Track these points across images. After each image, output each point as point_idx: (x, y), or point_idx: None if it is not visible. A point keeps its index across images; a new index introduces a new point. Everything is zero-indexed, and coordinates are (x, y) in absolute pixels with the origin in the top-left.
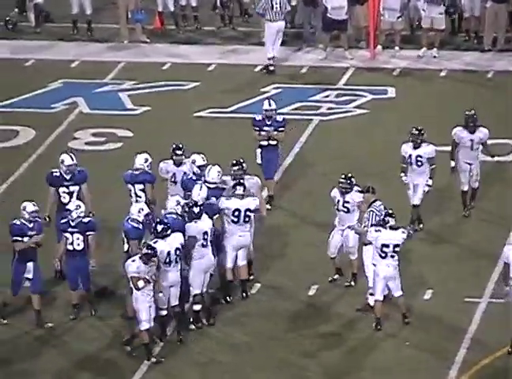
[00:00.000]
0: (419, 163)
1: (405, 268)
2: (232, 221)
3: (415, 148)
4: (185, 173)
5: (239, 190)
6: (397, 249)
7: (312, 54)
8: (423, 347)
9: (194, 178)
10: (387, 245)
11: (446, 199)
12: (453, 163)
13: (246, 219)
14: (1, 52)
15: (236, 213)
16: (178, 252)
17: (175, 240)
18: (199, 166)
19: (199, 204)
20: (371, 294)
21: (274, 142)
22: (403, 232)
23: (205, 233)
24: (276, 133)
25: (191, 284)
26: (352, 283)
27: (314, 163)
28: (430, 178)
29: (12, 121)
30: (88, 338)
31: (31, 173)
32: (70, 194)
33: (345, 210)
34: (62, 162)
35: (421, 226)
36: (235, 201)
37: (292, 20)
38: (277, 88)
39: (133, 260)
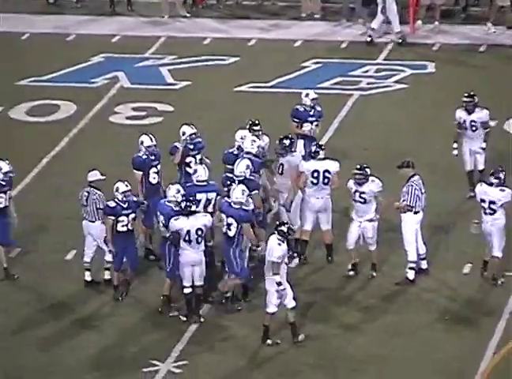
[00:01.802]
0: (474, 128)
1: (445, 241)
2: (312, 183)
3: (469, 113)
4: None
5: (321, 154)
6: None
7: (351, 29)
8: (463, 321)
9: (236, 152)
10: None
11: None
12: (455, 145)
13: (326, 181)
14: (43, 27)
15: (315, 174)
16: (199, 232)
17: (198, 220)
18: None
19: (240, 179)
20: (411, 269)
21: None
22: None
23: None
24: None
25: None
26: (374, 274)
27: (355, 138)
28: (484, 141)
29: (53, 95)
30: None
31: (71, 147)
32: (159, 173)
33: (362, 201)
34: (142, 143)
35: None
36: (314, 163)
37: None
38: (317, 62)
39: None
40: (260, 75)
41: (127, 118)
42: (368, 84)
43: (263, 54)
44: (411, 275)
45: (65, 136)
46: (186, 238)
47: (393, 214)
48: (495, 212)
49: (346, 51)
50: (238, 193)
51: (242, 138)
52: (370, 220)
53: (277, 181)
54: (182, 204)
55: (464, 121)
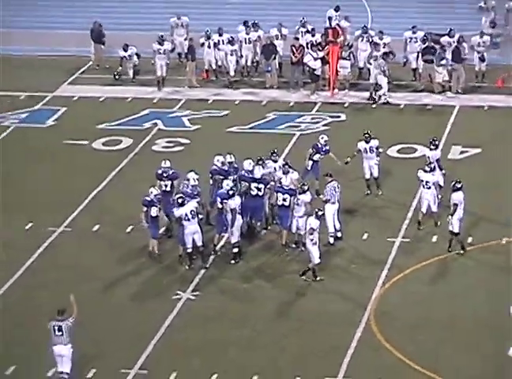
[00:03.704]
0: (371, 151)
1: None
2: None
3: (367, 142)
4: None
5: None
6: None
7: (297, 94)
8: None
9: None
10: None
11: None
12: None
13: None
14: (112, 93)
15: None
16: (192, 212)
17: (189, 205)
18: (230, 163)
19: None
20: (331, 237)
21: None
22: None
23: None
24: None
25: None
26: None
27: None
28: (377, 156)
29: (119, 134)
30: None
31: (130, 165)
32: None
33: (428, 169)
34: (187, 179)
35: None
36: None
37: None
38: (275, 114)
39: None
40: (242, 121)
41: (162, 147)
42: (305, 127)
43: (244, 109)
44: (331, 240)
45: (125, 158)
46: (186, 218)
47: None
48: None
49: (293, 107)
50: (287, 181)
51: (250, 164)
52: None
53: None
54: (177, 199)
55: (365, 148)
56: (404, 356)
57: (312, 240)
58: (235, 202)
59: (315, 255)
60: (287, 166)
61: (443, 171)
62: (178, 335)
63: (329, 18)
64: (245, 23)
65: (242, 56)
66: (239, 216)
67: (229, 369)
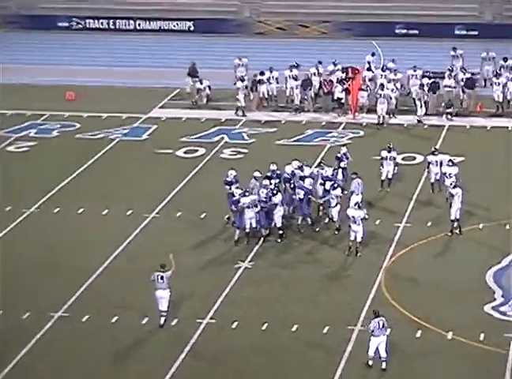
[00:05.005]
0: (390, 160)
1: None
2: None
3: (389, 152)
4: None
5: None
6: None
7: (327, 116)
8: None
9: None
10: None
11: None
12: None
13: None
14: (190, 114)
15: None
16: (251, 202)
17: (250, 197)
18: (273, 171)
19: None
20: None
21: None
22: None
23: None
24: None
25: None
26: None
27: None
28: (395, 165)
29: (195, 145)
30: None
31: (205, 168)
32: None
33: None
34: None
35: None
36: None
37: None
38: (311, 131)
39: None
40: (287, 136)
41: (228, 155)
42: (334, 141)
43: (288, 127)
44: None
45: (200, 163)
46: (246, 207)
47: None
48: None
49: (324, 126)
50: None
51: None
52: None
53: None
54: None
55: (386, 156)
56: (404, 309)
57: (357, 223)
58: (278, 198)
59: (359, 235)
60: (322, 164)
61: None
62: (238, 294)
63: (368, 62)
64: (292, 66)
65: (286, 88)
66: (281, 207)
67: (276, 319)
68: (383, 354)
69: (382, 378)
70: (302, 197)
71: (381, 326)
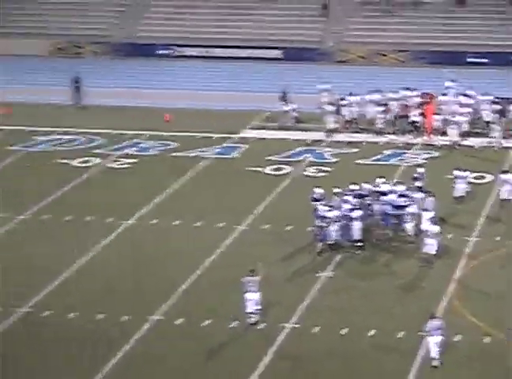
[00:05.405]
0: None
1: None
2: None
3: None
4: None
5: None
6: None
7: (404, 138)
8: None
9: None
10: None
11: None
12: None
13: None
14: (277, 135)
15: None
16: (334, 217)
17: (334, 212)
18: (353, 190)
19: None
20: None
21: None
22: None
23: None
24: None
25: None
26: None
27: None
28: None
29: (282, 163)
30: None
31: (291, 184)
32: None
33: None
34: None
35: None
36: None
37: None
38: (389, 151)
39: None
40: (366, 156)
41: (311, 173)
42: (410, 160)
43: (368, 148)
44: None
45: (286, 180)
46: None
47: None
48: None
49: (401, 146)
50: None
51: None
52: None
53: None
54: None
55: (459, 175)
56: (475, 318)
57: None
58: (357, 213)
59: (433, 248)
60: (398, 184)
61: None
62: (319, 302)
63: (447, 87)
64: (370, 91)
65: (367, 111)
66: (360, 222)
67: (354, 326)
68: (435, 353)
69: None
70: (390, 211)
71: (437, 327)
